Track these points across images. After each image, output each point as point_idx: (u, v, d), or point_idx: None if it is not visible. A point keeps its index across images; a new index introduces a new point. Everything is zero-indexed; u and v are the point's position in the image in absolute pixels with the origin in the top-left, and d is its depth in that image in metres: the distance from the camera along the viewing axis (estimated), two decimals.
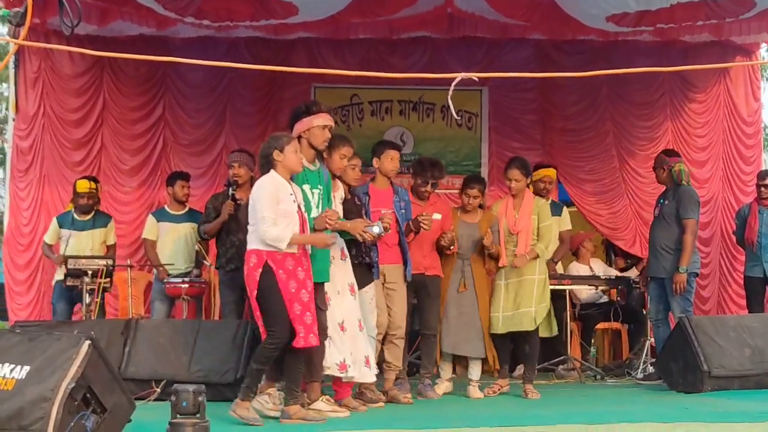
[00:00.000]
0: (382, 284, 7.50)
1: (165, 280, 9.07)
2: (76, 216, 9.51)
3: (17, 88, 10.56)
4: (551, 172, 9.76)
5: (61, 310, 9.31)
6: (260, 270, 6.11)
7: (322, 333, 6.46)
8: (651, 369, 8.82)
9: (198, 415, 4.96)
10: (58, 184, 10.42)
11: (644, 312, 9.71)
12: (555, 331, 8.47)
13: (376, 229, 6.79)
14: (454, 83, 5.16)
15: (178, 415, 4.95)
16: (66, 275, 8.81)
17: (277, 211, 6.13)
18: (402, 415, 6.66)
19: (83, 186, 9.50)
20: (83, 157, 10.60)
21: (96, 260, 8.79)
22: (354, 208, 7.20)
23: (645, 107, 11.37)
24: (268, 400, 6.54)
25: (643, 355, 9.11)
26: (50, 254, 9.56)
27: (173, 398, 4.99)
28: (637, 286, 9.56)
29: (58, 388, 4.66)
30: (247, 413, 6.09)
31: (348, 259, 7.01)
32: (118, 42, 10.26)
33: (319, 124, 6.61)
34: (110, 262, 8.80)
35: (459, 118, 11.21)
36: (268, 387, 6.61)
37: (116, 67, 10.73)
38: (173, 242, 9.49)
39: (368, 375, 6.96)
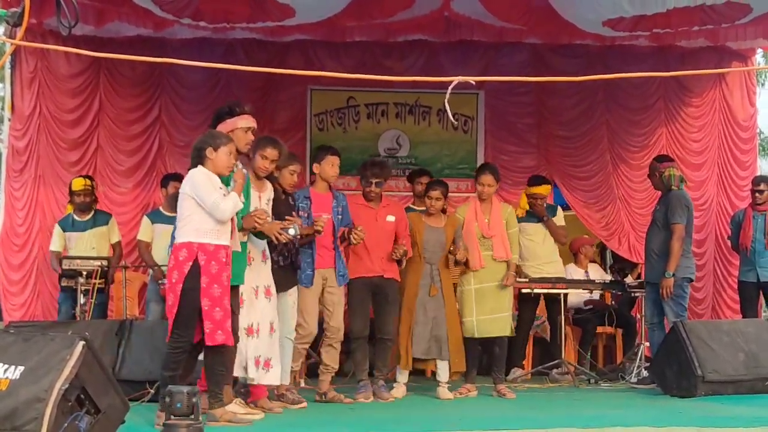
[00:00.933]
0: (322, 288, 7.58)
1: (160, 281, 9.05)
2: (75, 217, 9.49)
3: (13, 88, 10.55)
4: (544, 190, 9.76)
5: (65, 311, 9.29)
6: (190, 264, 5.97)
7: (234, 335, 6.32)
8: (645, 373, 8.82)
9: (192, 417, 4.96)
10: (53, 184, 10.41)
11: (638, 316, 9.72)
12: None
13: (291, 231, 6.78)
14: (451, 86, 5.16)
15: (172, 417, 4.95)
16: (61, 276, 8.80)
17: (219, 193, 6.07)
18: (393, 418, 6.65)
19: (79, 184, 9.49)
20: (79, 157, 10.59)
21: (91, 261, 8.77)
22: (285, 209, 7.19)
23: (640, 112, 11.39)
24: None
25: (637, 360, 9.11)
26: (57, 267, 9.45)
27: (167, 399, 4.99)
28: (632, 290, 9.55)
29: (52, 389, 4.65)
30: (231, 415, 6.11)
31: (269, 261, 6.97)
32: (114, 43, 10.26)
33: (242, 126, 6.56)
34: (105, 263, 8.78)
35: (455, 121, 11.21)
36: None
37: (113, 68, 10.72)
38: (167, 244, 9.45)
39: (267, 377, 6.87)
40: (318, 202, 7.65)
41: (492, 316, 8.15)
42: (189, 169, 6.23)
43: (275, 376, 6.94)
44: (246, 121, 6.59)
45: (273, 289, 6.96)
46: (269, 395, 7.06)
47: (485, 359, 10.52)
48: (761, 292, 9.75)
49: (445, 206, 8.30)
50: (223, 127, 6.50)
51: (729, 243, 10.51)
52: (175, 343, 6.01)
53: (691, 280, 8.94)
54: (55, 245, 9.58)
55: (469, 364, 8.22)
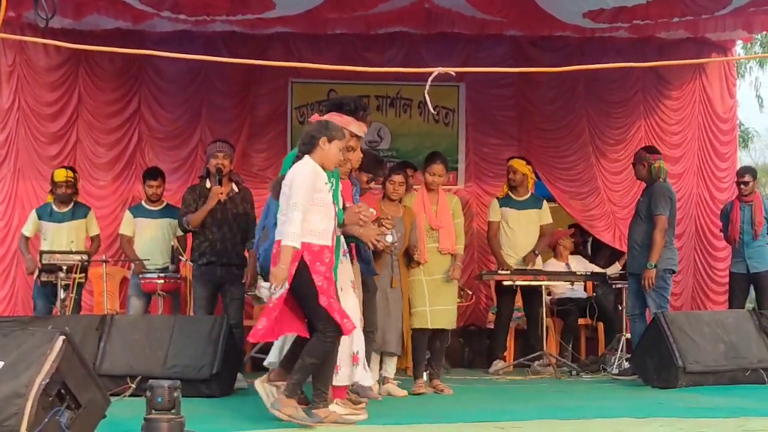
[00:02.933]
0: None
1: (141, 276, 9.01)
2: (55, 208, 9.43)
3: None
4: (517, 163, 9.81)
5: (42, 306, 9.23)
6: (295, 265, 5.66)
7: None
8: (626, 365, 8.86)
9: (173, 411, 4.94)
10: (32, 178, 10.36)
11: (619, 307, 9.75)
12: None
13: (389, 238, 6.57)
14: (431, 78, 5.16)
15: (153, 411, 4.93)
16: (41, 271, 8.74)
17: (313, 199, 5.72)
18: (377, 411, 6.64)
19: (61, 175, 9.43)
20: (58, 151, 10.55)
21: (71, 255, 8.73)
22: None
23: (620, 105, 11.45)
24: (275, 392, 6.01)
25: (619, 351, 9.14)
26: (25, 252, 9.46)
27: (148, 394, 4.97)
28: (613, 282, 9.58)
29: (32, 384, 4.62)
30: (296, 412, 5.67)
31: (349, 256, 6.67)
32: (94, 36, 10.20)
33: (353, 130, 6.23)
34: (85, 257, 8.74)
35: (436, 113, 11.22)
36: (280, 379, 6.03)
37: (92, 61, 10.68)
38: (149, 238, 9.45)
39: (367, 378, 6.67)
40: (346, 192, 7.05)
41: (441, 308, 7.93)
42: (297, 156, 5.91)
43: (371, 376, 6.78)
44: (358, 128, 6.28)
45: (357, 284, 6.76)
46: None
47: (467, 352, 10.58)
48: (751, 284, 9.80)
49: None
50: (340, 120, 6.15)
51: (717, 235, 10.57)
52: (329, 332, 5.74)
53: (674, 272, 8.97)
54: (27, 230, 9.54)
55: (419, 357, 7.98)
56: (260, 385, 5.94)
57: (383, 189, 7.87)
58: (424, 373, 8.04)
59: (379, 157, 8.13)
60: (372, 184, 7.58)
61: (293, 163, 5.90)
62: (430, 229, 8.03)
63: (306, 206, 5.67)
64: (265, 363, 6.91)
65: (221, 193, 8.18)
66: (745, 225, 9.73)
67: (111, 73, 10.78)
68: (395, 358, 7.89)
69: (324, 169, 5.85)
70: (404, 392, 7.74)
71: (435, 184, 8.12)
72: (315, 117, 6.33)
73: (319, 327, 5.76)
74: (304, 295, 5.74)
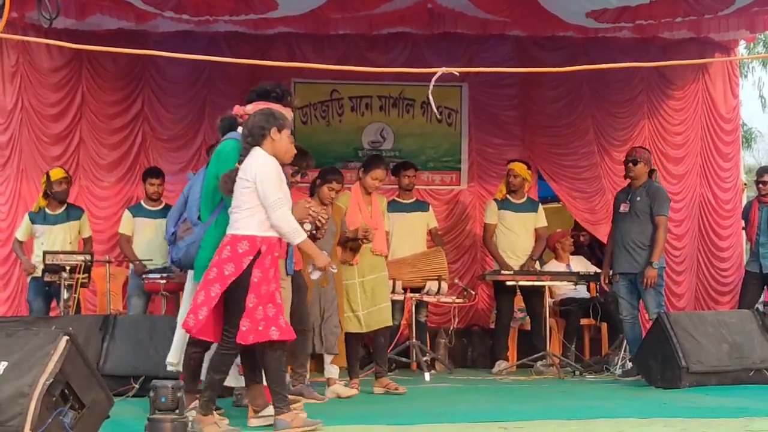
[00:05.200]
0: None
1: (143, 276, 9.02)
2: (48, 210, 9.44)
3: None
4: (518, 167, 9.83)
5: (38, 308, 9.24)
6: (250, 259, 5.46)
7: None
8: (630, 365, 8.84)
9: (177, 411, 4.94)
10: (35, 178, 10.33)
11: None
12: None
13: (307, 226, 6.30)
14: (434, 78, 5.16)
15: (157, 411, 4.93)
16: (44, 271, 8.74)
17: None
18: (371, 410, 6.64)
19: (58, 173, 9.47)
20: (61, 151, 10.54)
21: (74, 255, 8.73)
22: None
23: (624, 105, 11.43)
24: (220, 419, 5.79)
25: (622, 351, 9.13)
26: (20, 254, 9.47)
27: (152, 394, 4.97)
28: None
29: (35, 384, 4.63)
30: (218, 430, 5.49)
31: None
32: (96, 36, 10.18)
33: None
34: (88, 257, 8.74)
35: (439, 114, 11.21)
36: (190, 401, 5.73)
37: (95, 62, 10.68)
38: (149, 238, 9.47)
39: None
40: None
41: (377, 307, 7.89)
42: (245, 149, 5.67)
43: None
44: (288, 115, 5.96)
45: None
46: None
47: (471, 352, 10.58)
48: (765, 284, 9.82)
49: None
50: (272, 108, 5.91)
51: (721, 235, 10.59)
52: (229, 343, 5.51)
53: (664, 269, 8.96)
54: (20, 234, 9.55)
55: (354, 359, 7.92)
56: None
57: (318, 190, 7.65)
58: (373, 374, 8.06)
59: (304, 147, 7.83)
60: (298, 177, 7.28)
61: (240, 156, 5.66)
62: (366, 230, 7.82)
63: (287, 202, 5.57)
64: (168, 360, 6.35)
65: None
66: (762, 225, 9.70)
67: (114, 73, 10.78)
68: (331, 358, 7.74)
69: (280, 162, 5.66)
70: (353, 391, 7.62)
71: (374, 187, 8.09)
72: (237, 108, 6.10)
73: (226, 332, 5.54)
74: (239, 293, 5.46)
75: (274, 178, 5.55)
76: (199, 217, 6.02)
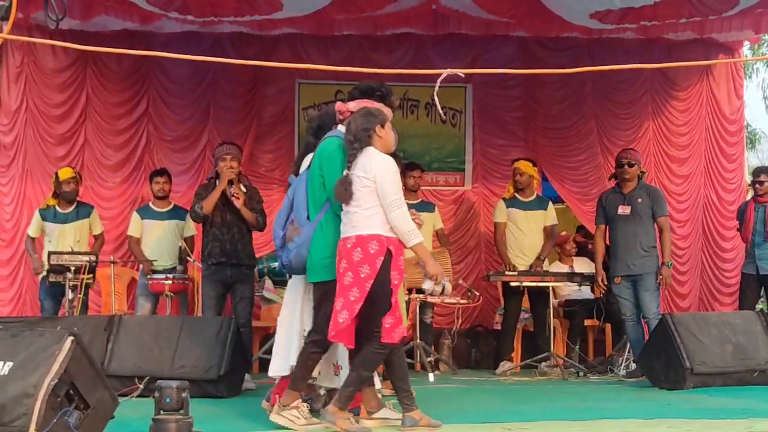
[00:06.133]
0: None
1: (149, 277, 9.03)
2: (59, 209, 9.44)
3: None
4: (524, 165, 9.84)
5: (49, 307, 9.26)
6: (381, 258, 5.43)
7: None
8: (634, 366, 8.84)
9: (181, 411, 4.95)
10: (40, 179, 10.38)
11: None
12: None
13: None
14: (440, 79, 5.16)
15: (162, 411, 4.94)
16: (48, 272, 8.75)
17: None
18: None
19: (67, 172, 9.47)
20: (66, 152, 10.56)
21: (79, 256, 8.74)
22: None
23: (628, 106, 11.43)
24: (298, 414, 5.70)
25: (626, 352, 9.13)
26: (32, 252, 9.47)
27: (156, 394, 4.98)
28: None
29: (40, 384, 4.63)
30: (351, 426, 5.46)
31: None
32: (101, 37, 10.21)
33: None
34: (93, 258, 8.75)
35: (444, 115, 11.23)
36: (293, 399, 5.75)
37: (100, 62, 10.70)
38: (157, 239, 9.47)
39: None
40: None
41: None
42: (351, 153, 5.63)
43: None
44: (389, 115, 5.95)
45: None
46: None
47: (475, 353, 10.58)
48: (762, 285, 9.76)
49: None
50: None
51: (725, 236, 10.56)
52: (380, 341, 5.49)
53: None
54: (32, 230, 9.53)
55: None
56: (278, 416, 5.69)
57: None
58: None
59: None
60: None
61: (348, 160, 5.62)
62: None
63: (402, 199, 5.56)
64: (270, 374, 6.28)
65: (237, 198, 8.14)
66: (757, 225, 9.61)
67: (119, 74, 10.79)
68: None
69: (386, 152, 5.69)
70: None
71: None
72: (340, 105, 6.12)
73: (374, 335, 5.53)
74: (381, 292, 5.47)
75: (393, 177, 5.58)
76: (308, 217, 5.95)
